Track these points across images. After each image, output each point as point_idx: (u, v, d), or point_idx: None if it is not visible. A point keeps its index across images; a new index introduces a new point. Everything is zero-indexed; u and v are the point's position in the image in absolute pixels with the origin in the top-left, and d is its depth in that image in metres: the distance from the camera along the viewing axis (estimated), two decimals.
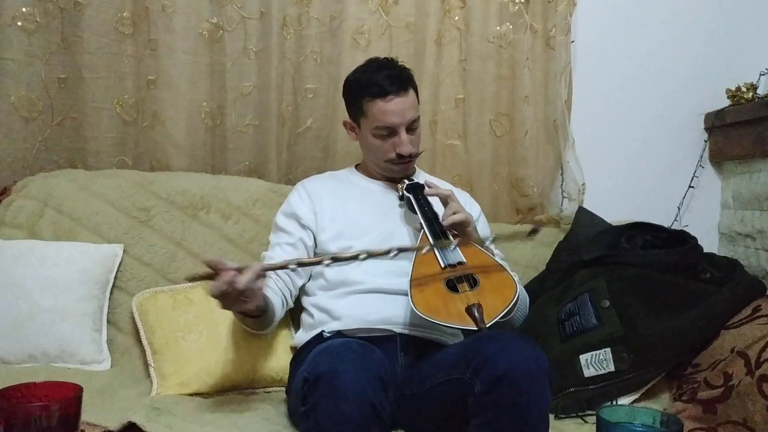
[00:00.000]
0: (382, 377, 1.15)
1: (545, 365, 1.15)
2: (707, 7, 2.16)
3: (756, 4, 2.15)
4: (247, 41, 2.01)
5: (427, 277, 1.36)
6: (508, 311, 1.27)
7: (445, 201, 1.51)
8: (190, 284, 1.71)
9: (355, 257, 1.31)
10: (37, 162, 1.96)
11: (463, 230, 1.47)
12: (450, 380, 1.23)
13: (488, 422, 1.13)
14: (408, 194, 1.55)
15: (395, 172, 1.62)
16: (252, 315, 1.39)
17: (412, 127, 1.57)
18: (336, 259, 1.34)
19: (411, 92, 1.58)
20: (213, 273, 1.20)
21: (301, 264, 1.36)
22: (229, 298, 1.23)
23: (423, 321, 1.30)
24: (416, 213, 1.51)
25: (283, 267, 1.33)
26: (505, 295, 1.30)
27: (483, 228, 1.67)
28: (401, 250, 1.34)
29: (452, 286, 1.32)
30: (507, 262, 1.53)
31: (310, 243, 1.58)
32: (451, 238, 1.43)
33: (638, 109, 2.17)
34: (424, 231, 1.46)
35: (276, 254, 1.55)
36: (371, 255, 1.31)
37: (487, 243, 1.62)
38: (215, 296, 1.22)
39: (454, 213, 1.47)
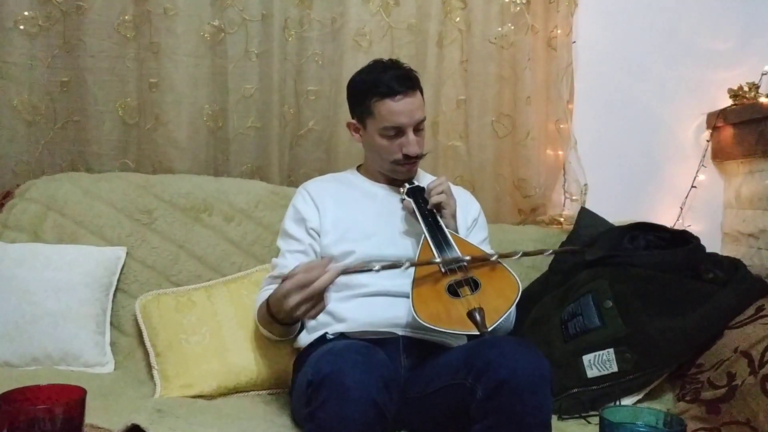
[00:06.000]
0: (386, 378, 1.15)
1: (546, 371, 1.14)
2: (709, 6, 2.16)
3: (758, 4, 2.15)
4: (248, 44, 2.01)
5: (429, 282, 1.36)
6: (510, 311, 1.27)
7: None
8: (194, 286, 1.74)
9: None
10: (40, 165, 1.98)
11: (441, 212, 1.51)
12: (452, 385, 1.23)
13: (490, 428, 1.13)
14: (409, 198, 1.55)
15: (400, 173, 1.61)
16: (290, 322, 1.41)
17: (418, 128, 1.57)
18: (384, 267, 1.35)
19: (418, 93, 1.57)
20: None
21: (384, 267, 1.35)
22: (306, 295, 1.26)
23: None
24: (417, 217, 1.51)
25: (364, 270, 1.35)
26: (507, 296, 1.31)
27: (481, 228, 1.67)
28: (413, 264, 1.37)
29: (453, 290, 1.33)
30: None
31: (318, 248, 1.58)
32: (453, 243, 1.43)
33: (640, 108, 2.17)
34: (426, 237, 1.45)
35: (288, 262, 1.54)
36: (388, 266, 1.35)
37: (483, 244, 1.62)
38: (293, 288, 1.26)
39: (440, 193, 1.51)
